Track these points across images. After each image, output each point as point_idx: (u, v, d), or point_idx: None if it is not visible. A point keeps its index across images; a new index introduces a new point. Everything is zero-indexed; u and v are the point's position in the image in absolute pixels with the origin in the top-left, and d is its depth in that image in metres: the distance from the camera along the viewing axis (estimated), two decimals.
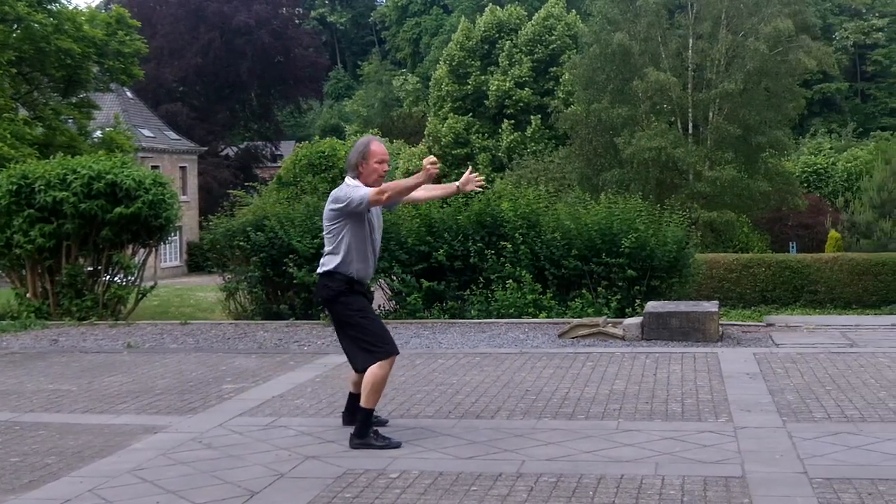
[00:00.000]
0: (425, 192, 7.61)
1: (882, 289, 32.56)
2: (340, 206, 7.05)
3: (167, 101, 67.61)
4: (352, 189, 7.03)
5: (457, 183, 7.56)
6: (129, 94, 59.66)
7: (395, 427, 7.46)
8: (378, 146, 7.18)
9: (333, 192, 7.19)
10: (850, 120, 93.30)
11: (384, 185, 7.05)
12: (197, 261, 53.55)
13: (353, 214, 7.05)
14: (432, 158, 7.00)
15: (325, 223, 7.19)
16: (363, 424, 7.01)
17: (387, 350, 7.06)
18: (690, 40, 46.12)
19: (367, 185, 7.08)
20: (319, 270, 7.26)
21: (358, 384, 7.35)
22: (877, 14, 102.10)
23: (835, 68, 53.87)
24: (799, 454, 6.49)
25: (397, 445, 6.91)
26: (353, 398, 7.47)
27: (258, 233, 15.55)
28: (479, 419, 7.75)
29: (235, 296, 16.37)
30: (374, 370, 6.99)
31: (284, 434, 7.41)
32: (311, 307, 15.13)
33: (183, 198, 53.50)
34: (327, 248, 7.20)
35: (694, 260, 16.21)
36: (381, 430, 7.22)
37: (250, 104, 76.83)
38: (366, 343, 7.08)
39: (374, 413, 7.28)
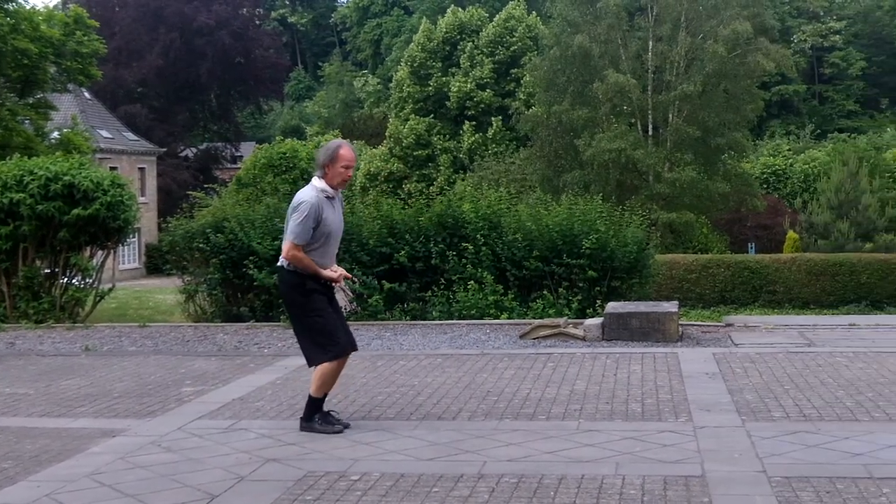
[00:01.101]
0: None
1: (839, 289, 32.87)
2: (289, 217, 7.30)
3: (126, 102, 67.06)
4: (303, 211, 7.17)
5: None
6: (87, 94, 59.09)
7: (356, 429, 7.44)
8: (347, 151, 7.35)
9: (299, 194, 7.35)
10: (808, 122, 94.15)
11: (300, 256, 7.24)
12: (156, 263, 53.17)
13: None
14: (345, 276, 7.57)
15: (288, 217, 7.37)
16: (309, 409, 7.38)
17: (338, 350, 7.31)
18: (650, 42, 46.32)
19: (332, 186, 7.30)
20: (278, 264, 7.46)
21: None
22: (834, 17, 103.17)
23: (793, 70, 54.43)
24: (758, 453, 6.53)
25: (339, 431, 7.25)
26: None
27: (218, 234, 15.46)
28: (440, 420, 7.74)
29: (195, 298, 16.26)
30: (324, 368, 7.29)
31: (245, 437, 7.37)
32: (272, 309, 15.06)
33: (141, 199, 53.06)
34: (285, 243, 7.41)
35: (654, 261, 16.29)
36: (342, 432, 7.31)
37: (210, 105, 76.41)
38: (320, 339, 7.32)
39: (338, 417, 7.53)
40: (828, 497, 5.57)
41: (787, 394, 8.49)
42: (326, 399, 7.58)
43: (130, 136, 61.73)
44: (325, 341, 7.31)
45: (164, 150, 64.61)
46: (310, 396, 7.41)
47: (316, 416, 7.35)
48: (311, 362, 7.46)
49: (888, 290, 32.56)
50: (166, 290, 25.52)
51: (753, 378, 9.26)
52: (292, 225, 7.21)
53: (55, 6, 58.70)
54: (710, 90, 44.19)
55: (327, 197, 7.29)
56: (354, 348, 7.51)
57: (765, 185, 63.52)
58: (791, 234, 45.33)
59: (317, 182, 7.31)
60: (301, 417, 7.47)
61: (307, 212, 7.18)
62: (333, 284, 7.51)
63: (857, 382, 8.93)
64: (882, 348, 11.20)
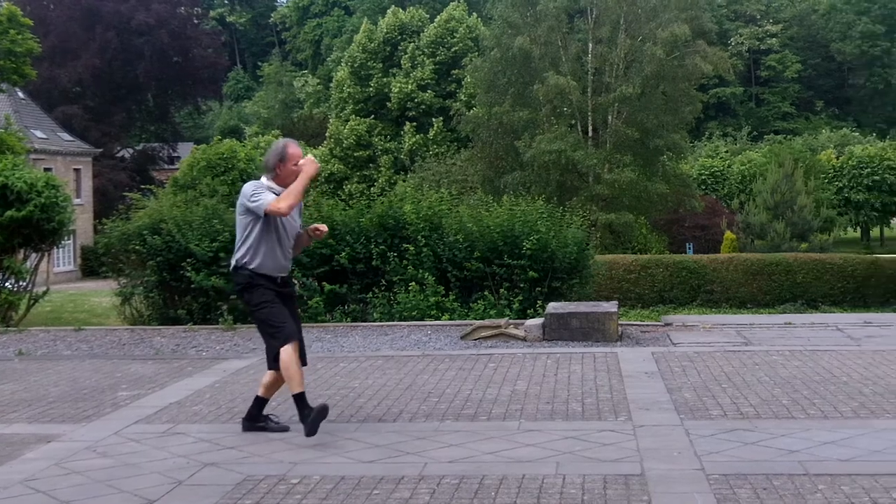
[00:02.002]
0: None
1: (775, 288, 33.26)
2: (247, 203, 7.22)
3: (62, 102, 66.15)
4: (262, 191, 7.18)
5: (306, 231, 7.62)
6: (20, 94, 58.16)
7: (297, 432, 7.37)
8: (296, 149, 7.36)
9: (246, 185, 7.33)
10: (745, 123, 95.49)
11: (282, 195, 7.15)
12: (91, 265, 52.44)
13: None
14: (310, 157, 7.35)
15: (237, 216, 7.36)
16: (298, 408, 7.15)
17: (285, 334, 7.18)
18: (590, 44, 46.67)
19: (284, 186, 7.23)
20: (231, 268, 7.46)
21: (267, 386, 7.49)
22: (771, 20, 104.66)
23: (730, 73, 54.97)
24: (696, 451, 6.58)
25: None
26: (258, 402, 7.51)
27: (155, 236, 15.28)
28: (381, 422, 7.71)
29: (131, 301, 16.06)
30: (281, 358, 7.16)
31: (182, 441, 7.29)
32: (210, 312, 14.93)
33: (77, 201, 52.43)
34: (236, 242, 7.39)
35: (594, 261, 16.38)
36: (282, 434, 7.20)
37: (147, 105, 75.59)
38: (268, 329, 7.28)
39: (277, 420, 7.54)
40: (765, 494, 5.62)
41: (725, 392, 8.56)
42: (270, 401, 7.57)
43: (66, 136, 60.90)
44: (272, 330, 7.24)
45: (101, 150, 63.81)
46: (293, 397, 7.19)
47: (306, 410, 7.07)
48: (271, 359, 7.37)
49: (823, 289, 33.02)
50: (102, 292, 25.18)
51: (692, 377, 9.33)
52: (255, 200, 7.14)
53: None
54: (649, 92, 44.62)
55: (276, 195, 7.20)
56: (297, 338, 7.27)
57: (703, 186, 64.32)
58: (728, 234, 45.85)
59: (264, 181, 7.28)
60: (300, 419, 7.16)
61: (256, 186, 7.21)
62: (286, 288, 7.44)
63: (792, 380, 9.03)
64: (817, 347, 11.36)
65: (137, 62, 68.14)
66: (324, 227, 7.57)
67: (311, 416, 7.00)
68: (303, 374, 7.23)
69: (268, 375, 7.50)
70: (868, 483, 5.79)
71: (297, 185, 7.18)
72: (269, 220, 7.22)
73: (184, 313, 15.20)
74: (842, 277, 33.19)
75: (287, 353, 7.16)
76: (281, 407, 8.20)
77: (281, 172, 7.25)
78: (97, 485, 6.19)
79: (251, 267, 7.27)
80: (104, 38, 66.72)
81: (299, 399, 7.12)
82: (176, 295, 15.56)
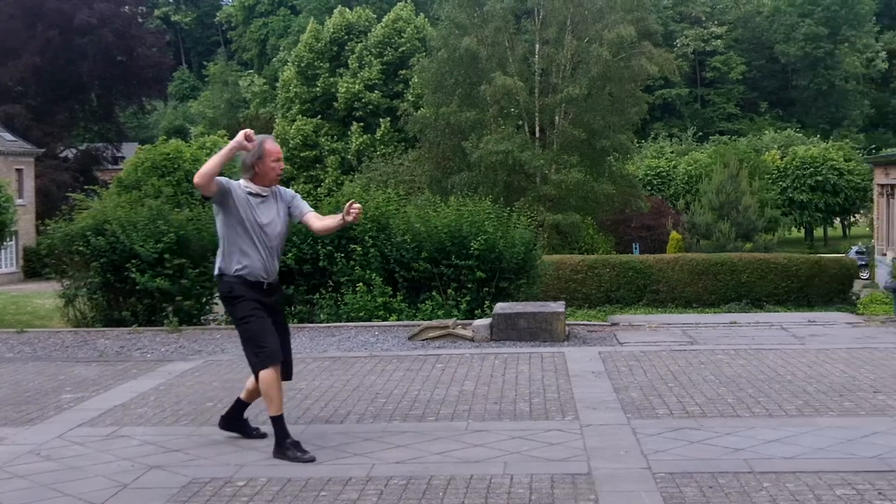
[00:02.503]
0: (321, 223, 7.23)
1: (721, 288, 33.58)
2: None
3: (3, 101, 65.14)
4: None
5: (341, 214, 7.09)
6: None
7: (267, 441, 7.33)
8: (273, 145, 7.04)
9: None
10: (691, 124, 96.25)
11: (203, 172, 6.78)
12: (34, 266, 51.75)
13: (223, 207, 6.91)
14: (356, 206, 6.96)
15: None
16: (276, 434, 6.84)
17: (265, 355, 6.81)
18: (537, 45, 46.80)
19: (266, 182, 6.99)
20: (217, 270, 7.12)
21: (250, 392, 7.21)
22: (716, 22, 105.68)
23: (676, 74, 55.43)
24: (643, 450, 6.62)
25: (311, 460, 6.61)
26: (238, 405, 7.32)
27: (99, 237, 15.11)
28: (328, 424, 7.68)
29: (75, 302, 15.86)
30: (260, 379, 6.83)
31: (127, 444, 7.21)
32: (155, 314, 14.80)
33: (19, 201, 51.69)
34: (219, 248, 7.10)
35: (541, 261, 16.43)
36: (228, 436, 7.13)
37: (91, 105, 74.68)
38: (249, 346, 6.91)
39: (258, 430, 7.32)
40: (710, 492, 5.67)
41: (671, 391, 8.63)
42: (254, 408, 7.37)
43: (7, 136, 60.05)
44: (255, 349, 6.87)
45: (43, 150, 62.98)
46: (271, 419, 6.87)
47: (287, 441, 6.78)
48: (253, 371, 7.01)
49: (767, 288, 33.40)
50: (45, 294, 24.84)
51: (638, 376, 9.39)
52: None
53: None
54: (596, 93, 44.84)
55: (250, 193, 6.94)
56: (279, 360, 6.88)
57: (648, 187, 64.76)
58: (674, 234, 46.24)
59: (244, 184, 6.97)
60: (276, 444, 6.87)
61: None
62: (271, 297, 7.07)
63: (738, 379, 9.12)
64: (762, 345, 11.49)
65: (81, 61, 67.32)
66: (358, 206, 7.02)
67: (283, 447, 6.73)
68: (282, 395, 6.88)
69: (251, 381, 7.15)
70: (812, 480, 5.86)
71: (213, 159, 6.80)
72: (230, 216, 6.91)
73: (128, 315, 15.04)
74: (786, 277, 33.60)
75: (268, 375, 6.80)
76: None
77: (260, 170, 6.96)
78: (41, 489, 6.11)
79: (232, 272, 6.91)
80: (46, 37, 65.84)
81: (277, 422, 6.80)
82: (120, 296, 15.40)
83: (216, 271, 7.05)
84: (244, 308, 6.90)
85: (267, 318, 6.94)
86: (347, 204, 7.02)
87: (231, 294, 6.95)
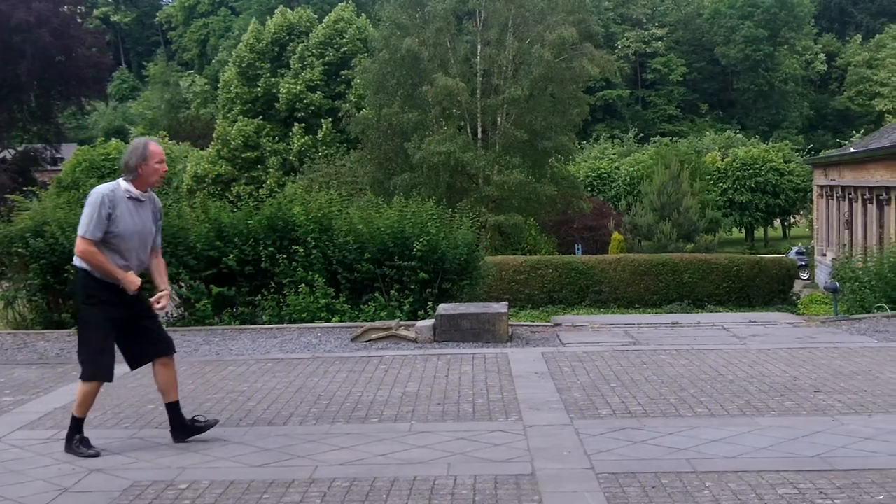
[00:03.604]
0: (156, 263, 7.45)
1: (662, 288, 33.85)
2: (85, 209, 7.01)
3: None
4: (93, 203, 6.95)
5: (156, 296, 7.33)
6: None
7: (219, 427, 7.27)
8: (156, 147, 7.13)
9: (96, 188, 7.08)
10: (632, 125, 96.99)
11: (92, 251, 6.97)
12: None
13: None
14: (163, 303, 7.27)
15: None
16: (70, 430, 7.06)
17: (91, 373, 7.09)
18: (479, 46, 46.85)
19: (147, 185, 7.09)
20: (73, 263, 7.21)
21: (164, 390, 7.29)
22: (657, 24, 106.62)
23: (617, 76, 55.94)
24: (586, 450, 6.65)
25: (95, 455, 6.85)
26: (173, 409, 7.33)
27: (38, 239, 14.90)
28: (270, 426, 7.63)
29: (14, 304, 15.65)
30: (86, 382, 7.09)
31: None
32: None
33: None
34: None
35: (484, 262, 16.46)
36: (169, 439, 7.09)
37: (29, 105, 73.55)
38: (84, 352, 7.13)
39: (205, 419, 7.37)
40: (653, 492, 5.71)
41: (614, 391, 8.68)
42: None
43: None
44: (86, 357, 7.08)
45: None
46: (72, 415, 7.12)
47: (76, 436, 7.00)
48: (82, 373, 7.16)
49: (708, 289, 33.71)
50: None
51: (581, 376, 9.44)
52: (82, 218, 6.96)
53: None
54: (538, 94, 44.97)
55: (131, 198, 7.02)
56: (107, 379, 7.12)
57: (590, 188, 65.13)
58: (616, 235, 46.50)
59: (122, 182, 7.04)
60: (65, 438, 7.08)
61: (97, 203, 6.91)
62: (131, 293, 7.10)
63: (680, 379, 9.20)
64: (703, 346, 11.60)
65: (19, 61, 66.34)
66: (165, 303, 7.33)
67: (75, 443, 6.97)
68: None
69: (160, 381, 7.29)
70: (754, 480, 5.92)
71: (104, 265, 6.98)
72: (110, 218, 7.02)
73: (68, 317, 14.85)
74: (727, 277, 33.93)
75: (93, 388, 7.13)
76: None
77: (143, 171, 7.03)
78: None
79: (91, 272, 7.08)
80: None
81: (79, 423, 7.09)
82: (60, 298, 15.21)
83: (77, 263, 7.18)
84: (95, 313, 7.08)
85: (114, 330, 7.16)
86: (157, 296, 7.24)
87: (88, 293, 7.12)
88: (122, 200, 6.98)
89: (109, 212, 6.92)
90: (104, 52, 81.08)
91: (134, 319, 7.15)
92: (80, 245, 6.97)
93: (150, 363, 7.29)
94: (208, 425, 7.27)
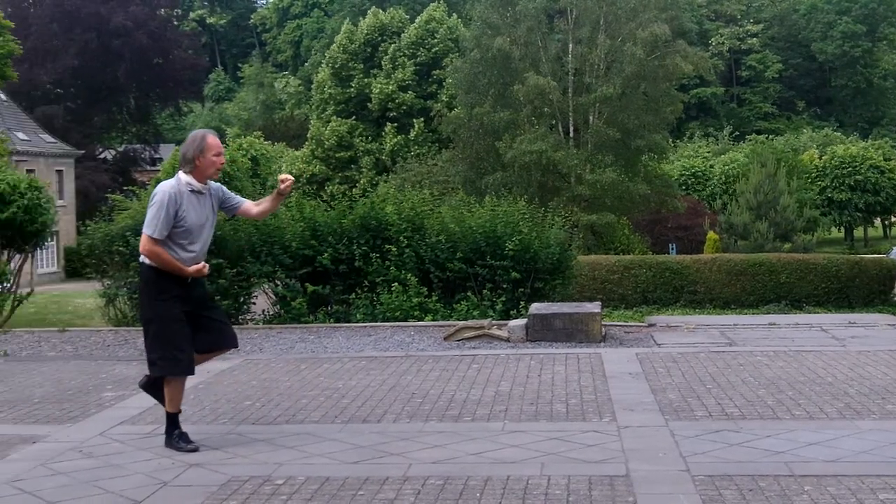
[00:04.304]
0: (259, 208, 7.55)
1: (759, 289, 33.33)
2: (150, 208, 7.05)
3: (42, 103, 65.94)
4: (157, 206, 6.96)
5: (276, 190, 7.46)
6: (2, 95, 57.98)
7: (280, 433, 7.37)
8: (214, 139, 7.15)
9: (161, 187, 7.10)
10: (726, 124, 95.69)
11: (157, 250, 6.98)
12: (75, 266, 52.24)
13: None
14: (287, 176, 7.35)
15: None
16: (167, 425, 7.18)
17: (167, 369, 7.15)
18: (570, 45, 46.68)
19: (205, 177, 7.10)
20: (140, 259, 7.22)
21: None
22: (751, 20, 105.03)
23: (711, 73, 55.16)
24: (681, 452, 6.59)
25: (194, 450, 6.94)
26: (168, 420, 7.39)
27: (138, 237, 15.15)
28: (365, 423, 7.69)
29: (115, 302, 15.98)
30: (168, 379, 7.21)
31: None
32: None
33: (59, 202, 52.06)
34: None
35: (576, 262, 16.40)
36: (267, 435, 7.15)
37: (128, 106, 75.35)
38: (156, 348, 7.15)
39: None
40: (750, 495, 5.63)
41: (710, 393, 8.58)
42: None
43: (48, 138, 60.67)
44: (162, 354, 7.10)
45: (83, 152, 63.63)
46: (166, 413, 7.21)
47: (175, 432, 7.10)
48: (150, 370, 7.27)
49: (806, 289, 33.10)
50: (86, 294, 25.07)
51: (676, 377, 9.35)
52: (148, 217, 7.00)
53: None
54: (630, 92, 44.65)
55: (193, 191, 7.06)
56: (188, 373, 7.18)
57: (684, 187, 64.42)
58: (711, 234, 45.93)
59: (182, 176, 7.07)
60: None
61: (164, 203, 6.94)
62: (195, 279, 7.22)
63: (777, 381, 9.06)
64: (801, 347, 11.41)
65: (117, 63, 67.92)
66: (289, 177, 7.40)
67: (174, 438, 7.08)
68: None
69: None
70: (854, 484, 5.81)
71: (169, 262, 7.02)
72: (177, 215, 7.05)
73: None
74: (826, 278, 33.28)
75: (177, 382, 7.24)
76: (265, 408, 8.18)
77: (201, 164, 7.05)
78: (82, 485, 6.16)
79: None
80: (83, 40, 66.52)
81: (173, 418, 7.21)
82: None
83: (144, 260, 7.13)
84: (166, 307, 7.07)
85: (189, 324, 7.19)
86: (280, 178, 7.35)
87: (158, 288, 7.09)
88: (186, 195, 7.03)
89: (176, 209, 6.98)
90: (200, 55, 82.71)
91: (200, 311, 7.23)
92: (146, 244, 6.99)
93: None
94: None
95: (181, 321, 7.08)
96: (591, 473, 6.11)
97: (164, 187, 7.04)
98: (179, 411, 7.23)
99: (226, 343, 7.44)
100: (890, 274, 34.25)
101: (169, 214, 6.93)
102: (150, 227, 6.96)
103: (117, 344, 12.98)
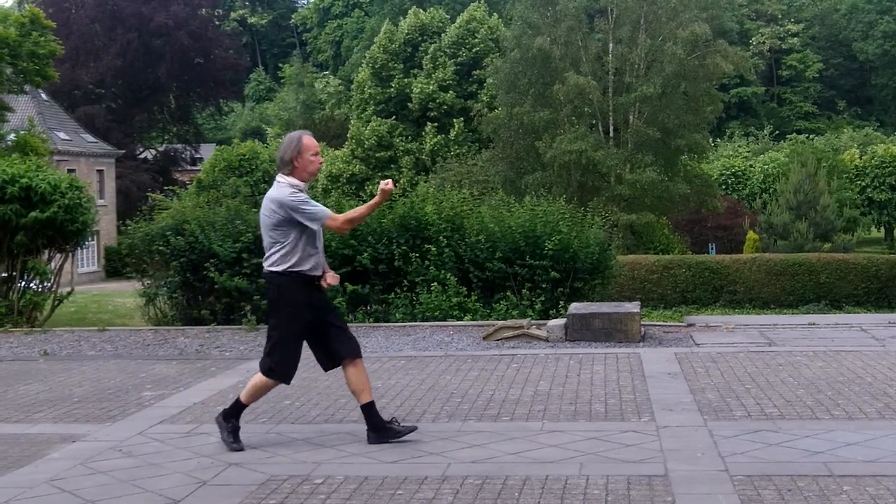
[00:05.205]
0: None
1: (799, 288, 33.14)
2: (285, 214, 6.96)
3: (84, 102, 66.52)
4: (302, 201, 6.95)
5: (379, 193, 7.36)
6: (43, 95, 58.55)
7: (320, 432, 7.40)
8: (310, 139, 7.13)
9: (273, 193, 7.03)
10: (767, 123, 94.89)
11: (350, 216, 7.21)
12: (115, 266, 52.66)
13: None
14: (388, 181, 7.22)
15: (270, 225, 7.04)
16: (230, 409, 7.31)
17: (277, 375, 7.23)
18: (610, 44, 46.55)
19: (302, 179, 7.04)
20: (270, 268, 7.10)
21: (357, 391, 7.31)
22: (792, 19, 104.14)
23: (751, 72, 54.84)
24: (720, 452, 6.56)
25: (239, 449, 7.02)
26: (366, 410, 7.33)
27: (178, 237, 15.32)
28: (404, 423, 7.70)
29: (155, 301, 16.08)
30: (264, 377, 7.24)
31: (206, 441, 7.31)
32: (233, 312, 14.95)
33: (100, 202, 52.68)
34: (274, 248, 7.05)
35: (616, 261, 16.35)
36: (305, 435, 7.19)
37: (169, 106, 75.91)
38: (274, 353, 7.17)
39: (401, 423, 7.34)
40: (789, 495, 5.60)
41: (749, 393, 8.53)
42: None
43: (88, 137, 61.21)
44: (277, 360, 7.14)
45: (123, 151, 64.15)
46: (238, 399, 7.29)
47: (232, 421, 7.17)
48: (261, 365, 7.31)
49: (847, 289, 32.88)
50: (126, 293, 25.27)
51: (715, 377, 9.31)
52: (309, 213, 6.94)
53: (10, 6, 58.22)
54: (670, 92, 44.46)
55: (302, 191, 7.04)
56: (286, 382, 7.30)
57: (724, 187, 63.99)
58: (751, 234, 45.65)
59: (282, 179, 7.03)
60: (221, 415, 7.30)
61: (302, 197, 6.95)
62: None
63: (816, 381, 9.00)
64: (841, 347, 11.30)
65: (159, 63, 68.46)
66: (389, 182, 7.31)
67: (227, 427, 7.19)
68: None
69: (352, 381, 7.28)
70: (893, 484, 5.77)
71: (363, 210, 7.30)
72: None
73: (207, 314, 15.22)
74: (866, 278, 33.03)
75: (268, 384, 7.35)
76: (304, 408, 8.22)
77: (299, 164, 7.02)
78: (122, 484, 6.22)
79: (301, 269, 7.05)
80: (125, 40, 67.10)
81: (241, 409, 7.34)
82: (199, 295, 15.58)
83: (277, 268, 7.05)
84: (293, 318, 7.11)
85: (311, 334, 7.27)
86: (381, 183, 7.25)
87: (296, 294, 7.07)
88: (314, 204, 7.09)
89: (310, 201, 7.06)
90: (240, 54, 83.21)
91: (323, 321, 7.18)
92: (333, 225, 7.10)
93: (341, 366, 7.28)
94: (407, 430, 7.21)
95: (300, 337, 7.16)
96: (629, 473, 6.11)
97: (283, 193, 6.99)
98: (247, 405, 7.33)
99: (352, 352, 7.24)
100: None
101: (314, 205, 7.01)
102: (322, 215, 7.02)
103: (157, 343, 13.07)
